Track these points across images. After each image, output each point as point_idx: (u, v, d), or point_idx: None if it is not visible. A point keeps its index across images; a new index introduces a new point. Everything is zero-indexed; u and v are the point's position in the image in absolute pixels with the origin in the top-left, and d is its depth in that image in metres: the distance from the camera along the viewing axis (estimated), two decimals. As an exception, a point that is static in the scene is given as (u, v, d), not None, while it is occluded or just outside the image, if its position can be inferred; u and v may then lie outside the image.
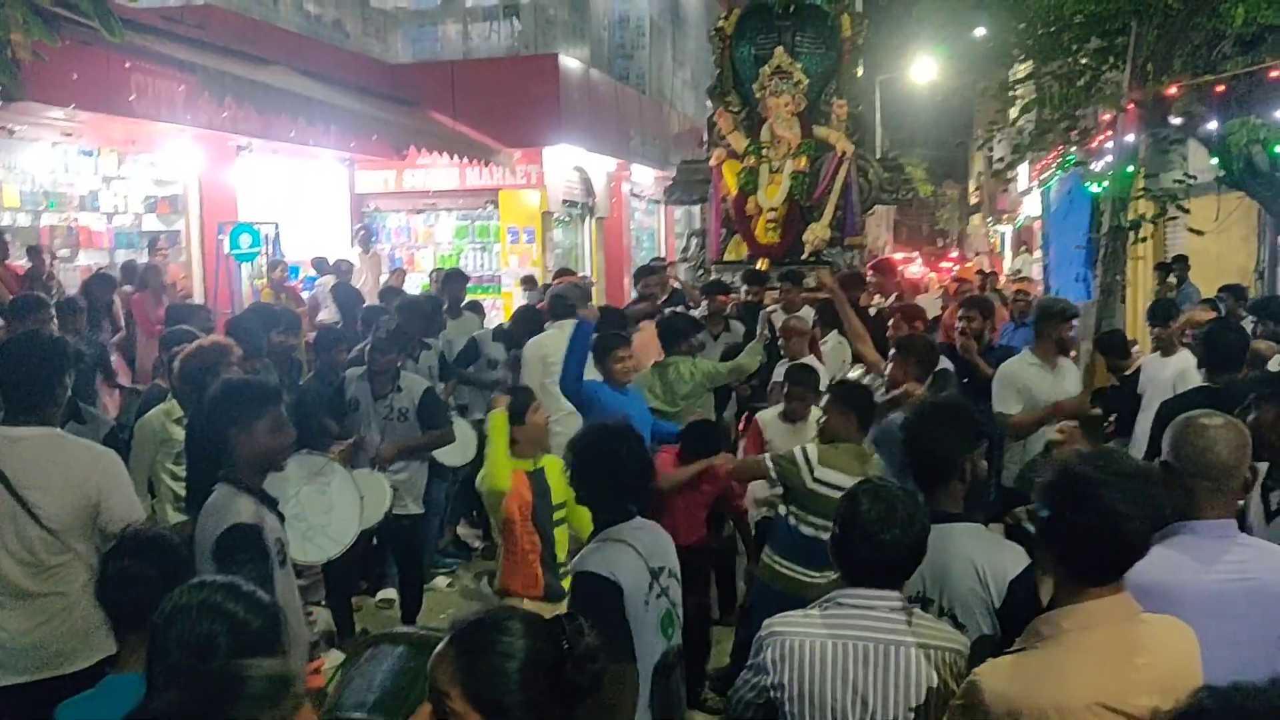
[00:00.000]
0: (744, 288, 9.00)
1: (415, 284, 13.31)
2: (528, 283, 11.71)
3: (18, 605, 3.49)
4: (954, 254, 38.04)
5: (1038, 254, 24.65)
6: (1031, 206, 26.59)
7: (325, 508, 5.07)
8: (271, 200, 13.33)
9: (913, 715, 2.54)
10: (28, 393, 3.58)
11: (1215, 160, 9.73)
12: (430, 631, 2.46)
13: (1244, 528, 3.24)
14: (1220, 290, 9.45)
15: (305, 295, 11.83)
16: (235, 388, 3.52)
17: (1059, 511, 2.25)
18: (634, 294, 16.66)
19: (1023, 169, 21.87)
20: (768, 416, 6.01)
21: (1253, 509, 3.34)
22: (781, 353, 7.05)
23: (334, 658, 4.79)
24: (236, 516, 3.23)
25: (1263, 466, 3.38)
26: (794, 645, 2.61)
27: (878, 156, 13.05)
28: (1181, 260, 12.22)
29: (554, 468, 4.63)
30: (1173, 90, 9.11)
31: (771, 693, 2.64)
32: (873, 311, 8.81)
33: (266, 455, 3.43)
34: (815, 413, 5.87)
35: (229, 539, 3.14)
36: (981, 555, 2.93)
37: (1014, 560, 2.96)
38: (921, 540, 2.66)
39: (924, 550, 2.67)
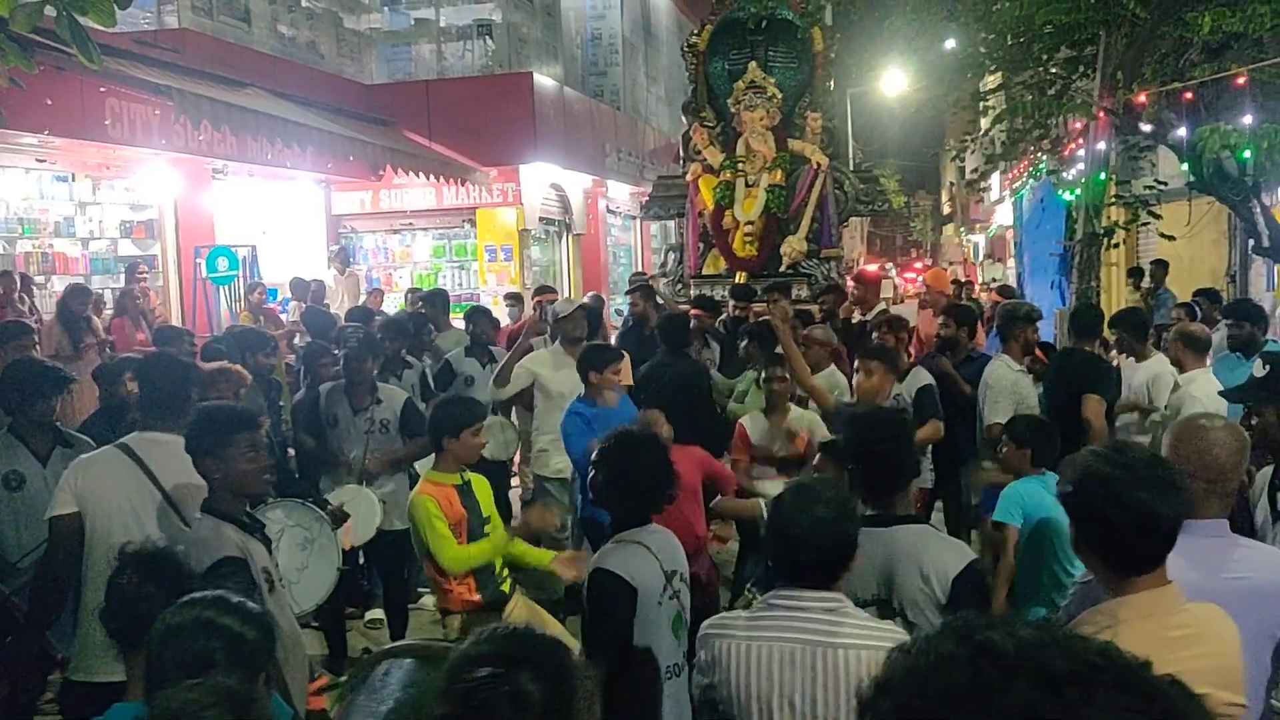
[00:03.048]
0: (731, 303, 9.01)
1: (393, 304, 13.27)
2: (512, 299, 11.70)
3: None
4: (919, 264, 38.15)
5: (1011, 264, 24.89)
6: (1004, 215, 26.86)
7: (300, 565, 5.01)
8: (248, 223, 13.27)
9: (841, 717, 2.53)
10: (165, 403, 4.04)
11: (1186, 166, 9.87)
12: (437, 643, 2.45)
13: (1251, 529, 3.30)
14: (1195, 294, 9.56)
15: (284, 317, 11.77)
16: (206, 416, 3.54)
17: (1090, 511, 2.30)
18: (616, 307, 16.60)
19: (995, 178, 22.09)
20: (751, 415, 6.01)
21: (1260, 510, 3.38)
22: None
23: (323, 680, 4.76)
24: (221, 550, 3.24)
25: (1268, 469, 3.44)
26: (724, 647, 2.63)
27: (851, 168, 13.15)
28: (1160, 265, 12.36)
29: (480, 484, 4.66)
30: (1142, 98, 9.23)
31: (709, 692, 2.67)
32: (854, 321, 8.84)
33: (243, 481, 3.44)
34: (794, 410, 5.89)
35: (215, 575, 3.13)
36: (925, 554, 3.00)
37: (956, 557, 3.04)
38: (843, 541, 2.63)
39: (849, 551, 2.66)
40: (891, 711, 0.88)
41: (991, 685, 0.83)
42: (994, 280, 23.28)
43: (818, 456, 4.87)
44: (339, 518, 5.38)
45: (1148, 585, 2.26)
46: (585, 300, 9.38)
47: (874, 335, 6.90)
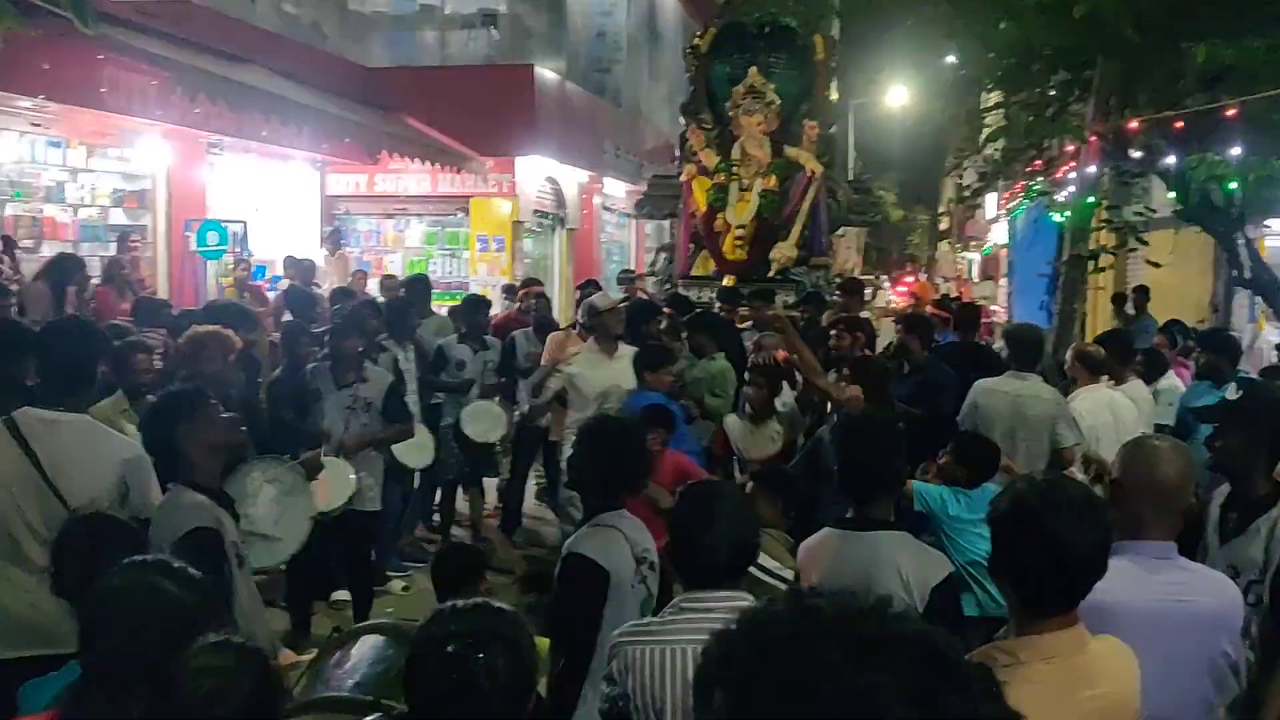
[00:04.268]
0: (717, 305, 9.05)
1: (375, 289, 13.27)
2: (508, 291, 11.77)
3: (36, 581, 3.46)
4: (910, 278, 38.14)
5: (1003, 282, 24.98)
6: (999, 234, 26.96)
7: (274, 517, 5.00)
8: (241, 199, 13.26)
9: None
10: (66, 377, 3.72)
11: (1173, 195, 9.92)
12: (406, 622, 2.47)
13: (1201, 547, 3.34)
14: (1167, 323, 9.60)
15: (272, 295, 11.76)
16: (164, 398, 3.58)
17: (1008, 541, 2.28)
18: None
19: (991, 197, 22.20)
20: (732, 419, 6.08)
21: (1209, 529, 3.42)
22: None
23: (285, 656, 4.77)
24: (196, 521, 3.23)
25: (1224, 489, 3.47)
26: (635, 655, 2.60)
27: (849, 179, 13.22)
28: (1142, 290, 12.42)
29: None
30: (1135, 125, 9.28)
31: (620, 703, 2.63)
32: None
33: (222, 434, 3.45)
34: (773, 424, 5.94)
35: (188, 544, 3.11)
36: (907, 561, 3.02)
37: (937, 567, 3.07)
38: (745, 538, 2.65)
39: (751, 548, 2.67)
40: (718, 658, 0.96)
41: (803, 640, 0.91)
42: (985, 298, 23.34)
43: (749, 485, 4.83)
44: (313, 466, 5.37)
45: (1055, 626, 2.20)
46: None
47: (831, 335, 6.79)
